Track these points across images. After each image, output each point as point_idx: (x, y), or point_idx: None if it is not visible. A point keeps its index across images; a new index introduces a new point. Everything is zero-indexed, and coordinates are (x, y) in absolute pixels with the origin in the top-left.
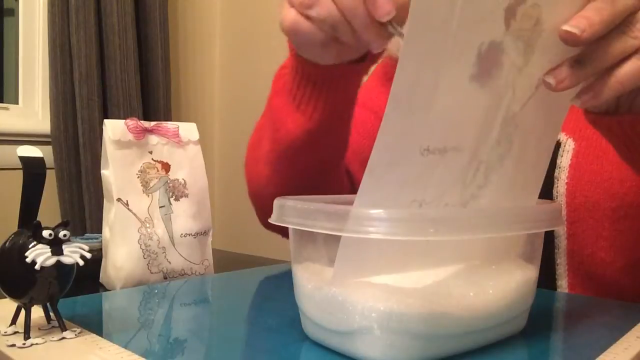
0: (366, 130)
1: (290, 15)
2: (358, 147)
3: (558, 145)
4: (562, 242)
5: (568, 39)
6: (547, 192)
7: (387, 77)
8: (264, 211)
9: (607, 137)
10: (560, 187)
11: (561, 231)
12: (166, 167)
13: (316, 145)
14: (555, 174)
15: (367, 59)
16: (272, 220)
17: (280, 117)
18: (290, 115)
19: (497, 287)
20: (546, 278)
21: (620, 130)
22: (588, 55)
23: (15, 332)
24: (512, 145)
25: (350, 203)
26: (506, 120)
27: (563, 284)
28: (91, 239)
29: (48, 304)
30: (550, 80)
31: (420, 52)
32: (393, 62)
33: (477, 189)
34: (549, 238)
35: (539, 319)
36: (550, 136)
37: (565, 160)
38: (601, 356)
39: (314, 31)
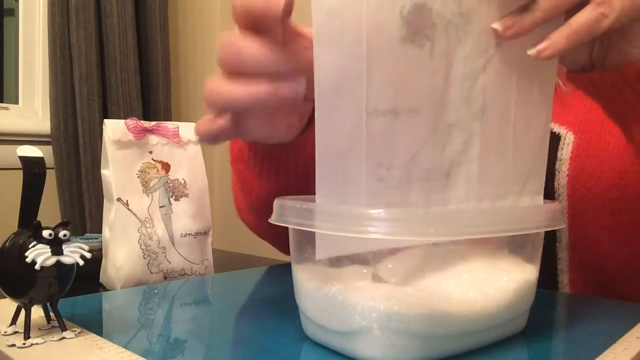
0: None
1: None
2: None
3: (558, 138)
4: (563, 235)
5: None
6: (548, 185)
7: None
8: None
9: (588, 95)
10: (562, 179)
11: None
12: (166, 167)
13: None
14: (557, 167)
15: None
16: (272, 220)
17: (246, 181)
18: (255, 181)
19: (497, 287)
20: (547, 274)
21: (594, 87)
22: (533, 1)
23: (15, 332)
24: (485, 108)
25: None
26: (467, 81)
27: (564, 279)
28: (91, 239)
29: (48, 304)
30: (497, 26)
31: (331, 34)
32: None
33: (458, 154)
34: (551, 235)
35: (539, 319)
36: (540, 98)
37: (565, 152)
38: (601, 356)
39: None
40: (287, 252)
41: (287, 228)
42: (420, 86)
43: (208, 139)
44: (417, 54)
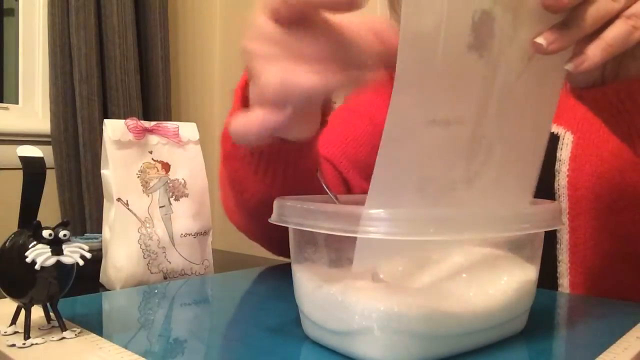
0: (363, 138)
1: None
2: (354, 155)
3: (557, 138)
4: (564, 237)
5: (550, 5)
6: (548, 185)
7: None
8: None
9: (595, 111)
10: (562, 180)
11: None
12: (166, 167)
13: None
14: (556, 167)
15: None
16: (272, 220)
17: (240, 181)
18: (250, 181)
19: (497, 287)
20: (548, 277)
21: (606, 100)
22: (573, 18)
23: (15, 332)
24: (509, 120)
25: (350, 203)
26: (502, 93)
27: (564, 282)
28: (91, 239)
29: (48, 304)
30: (541, 41)
31: (416, 28)
32: None
33: (481, 165)
34: (551, 237)
35: (539, 319)
36: (546, 112)
37: (565, 153)
38: (601, 356)
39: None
40: (278, 253)
41: (280, 230)
42: (471, 96)
43: (256, 137)
44: (476, 62)
